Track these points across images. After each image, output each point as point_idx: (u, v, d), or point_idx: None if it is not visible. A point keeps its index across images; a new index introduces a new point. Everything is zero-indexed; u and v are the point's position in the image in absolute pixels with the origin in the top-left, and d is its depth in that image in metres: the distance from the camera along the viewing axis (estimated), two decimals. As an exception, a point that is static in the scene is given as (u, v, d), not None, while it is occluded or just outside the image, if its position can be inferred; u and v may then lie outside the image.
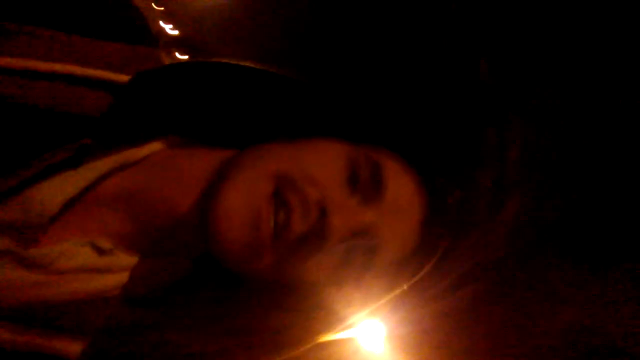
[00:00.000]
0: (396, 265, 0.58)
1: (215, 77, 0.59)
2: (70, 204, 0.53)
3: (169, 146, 0.60)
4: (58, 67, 0.54)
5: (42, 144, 0.53)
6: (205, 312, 0.54)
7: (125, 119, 0.57)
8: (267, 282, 0.54)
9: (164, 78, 0.58)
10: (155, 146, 0.59)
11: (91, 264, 0.52)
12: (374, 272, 0.56)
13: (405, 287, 0.57)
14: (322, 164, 0.55)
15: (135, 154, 0.58)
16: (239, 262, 0.52)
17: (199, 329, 0.53)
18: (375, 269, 0.56)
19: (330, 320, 0.55)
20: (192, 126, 0.61)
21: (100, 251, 0.53)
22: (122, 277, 0.53)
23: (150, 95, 0.57)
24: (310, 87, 0.61)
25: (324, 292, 0.55)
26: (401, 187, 0.58)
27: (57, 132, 0.53)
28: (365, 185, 0.55)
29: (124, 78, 0.57)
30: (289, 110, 0.61)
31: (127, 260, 0.54)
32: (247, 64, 0.58)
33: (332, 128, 0.60)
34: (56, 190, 0.52)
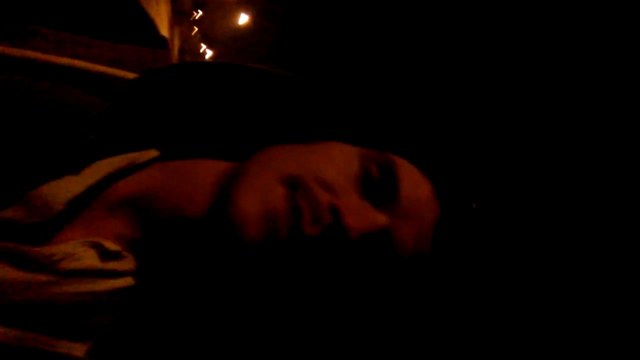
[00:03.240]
0: (408, 267, 0.55)
1: (221, 78, 0.58)
2: (75, 205, 0.51)
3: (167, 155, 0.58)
4: (66, 61, 0.55)
5: (48, 140, 0.52)
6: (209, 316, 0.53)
7: (129, 116, 0.56)
8: (274, 286, 0.52)
9: (171, 76, 0.57)
10: (155, 153, 0.57)
11: (96, 267, 0.50)
12: (386, 274, 0.54)
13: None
14: (334, 166, 0.53)
15: (140, 157, 0.56)
16: (252, 261, 0.49)
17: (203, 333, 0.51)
18: (388, 271, 0.54)
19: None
20: (196, 133, 0.59)
21: (107, 254, 0.51)
22: (127, 282, 0.51)
23: (155, 92, 0.56)
24: (321, 90, 0.60)
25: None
26: (416, 189, 0.55)
27: (63, 128, 0.53)
28: (379, 187, 0.53)
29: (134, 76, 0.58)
30: (298, 114, 0.59)
31: (133, 264, 0.52)
32: (255, 65, 0.58)
33: (343, 132, 0.58)
34: (61, 190, 0.51)
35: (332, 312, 0.54)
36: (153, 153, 0.57)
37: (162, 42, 0.62)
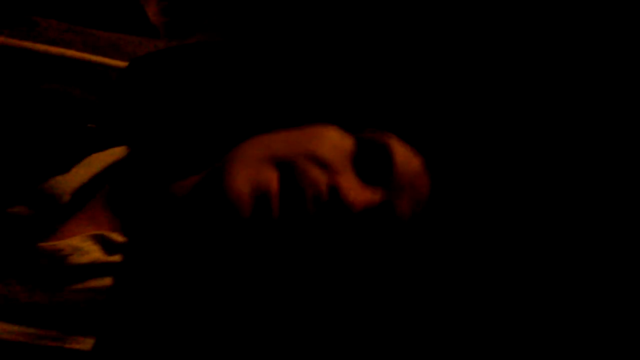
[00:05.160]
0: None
1: (211, 59, 0.59)
2: (80, 195, 0.52)
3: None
4: (57, 51, 0.54)
5: (50, 132, 0.52)
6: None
7: (123, 104, 0.56)
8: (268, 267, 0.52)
9: (159, 62, 0.58)
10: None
11: (103, 260, 0.50)
12: (384, 241, 0.55)
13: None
14: (327, 144, 0.53)
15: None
16: (248, 237, 0.50)
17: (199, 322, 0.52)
18: (386, 239, 0.55)
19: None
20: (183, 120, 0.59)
21: (113, 246, 0.51)
22: (130, 275, 0.51)
23: (143, 79, 0.57)
24: (310, 73, 0.62)
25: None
26: (409, 163, 0.56)
27: (63, 119, 0.53)
28: (374, 164, 0.55)
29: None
30: (285, 99, 0.61)
31: (138, 254, 0.52)
32: (240, 44, 0.59)
33: (332, 115, 0.59)
34: (66, 182, 0.51)
35: (333, 288, 0.55)
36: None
37: (155, 31, 0.62)
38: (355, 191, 0.51)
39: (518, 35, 0.71)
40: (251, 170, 0.50)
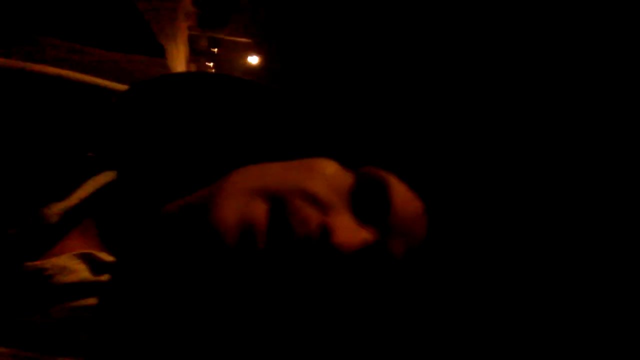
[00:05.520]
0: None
1: (209, 89, 0.58)
2: (70, 217, 0.51)
3: None
4: (58, 72, 0.55)
5: (49, 160, 0.53)
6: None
7: (122, 129, 0.56)
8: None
9: (159, 88, 0.57)
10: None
11: (89, 279, 0.49)
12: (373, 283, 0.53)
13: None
14: (322, 180, 0.51)
15: None
16: (230, 272, 0.48)
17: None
18: (375, 281, 0.53)
19: None
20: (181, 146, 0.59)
21: (100, 265, 0.50)
22: (117, 294, 0.50)
23: (143, 105, 0.56)
24: (310, 106, 0.60)
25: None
26: (407, 206, 0.54)
27: (62, 146, 0.54)
28: (370, 203, 0.52)
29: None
30: (285, 130, 0.59)
31: (125, 274, 0.51)
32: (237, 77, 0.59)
33: (332, 150, 0.58)
34: (56, 205, 0.51)
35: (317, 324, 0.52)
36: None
37: (160, 51, 0.62)
38: (348, 232, 0.49)
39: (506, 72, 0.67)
40: (240, 202, 0.48)
